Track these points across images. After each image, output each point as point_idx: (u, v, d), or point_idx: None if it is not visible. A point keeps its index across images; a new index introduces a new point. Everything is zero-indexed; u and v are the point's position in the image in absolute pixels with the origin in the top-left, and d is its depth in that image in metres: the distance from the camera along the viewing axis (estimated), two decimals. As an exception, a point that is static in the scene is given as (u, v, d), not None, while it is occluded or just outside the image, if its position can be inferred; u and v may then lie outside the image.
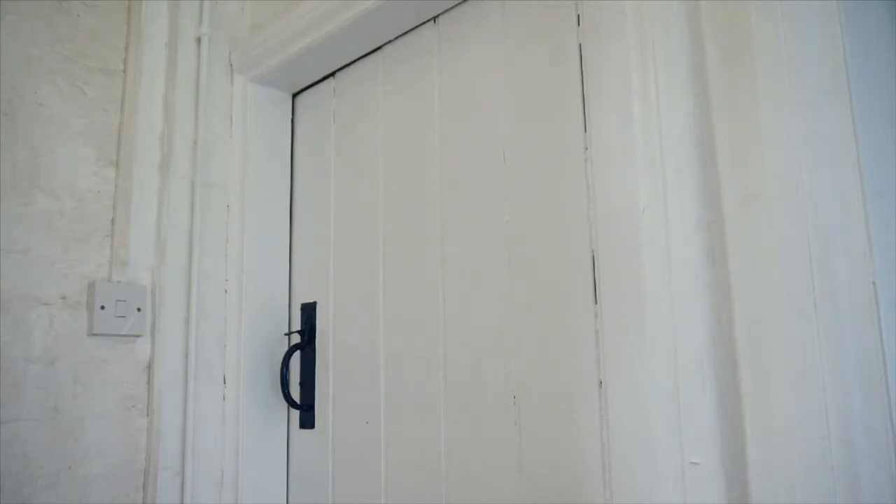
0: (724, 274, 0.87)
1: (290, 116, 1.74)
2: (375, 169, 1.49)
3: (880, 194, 0.81)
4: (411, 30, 1.45)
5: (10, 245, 1.40)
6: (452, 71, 1.36)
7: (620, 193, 0.97)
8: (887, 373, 0.76)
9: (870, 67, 0.85)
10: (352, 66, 1.60)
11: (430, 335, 1.31)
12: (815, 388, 0.78)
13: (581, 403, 1.04)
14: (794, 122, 0.83)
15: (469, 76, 1.32)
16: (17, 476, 1.34)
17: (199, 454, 1.49)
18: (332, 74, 1.65)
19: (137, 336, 1.50)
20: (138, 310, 1.50)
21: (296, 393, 1.58)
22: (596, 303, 1.01)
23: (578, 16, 1.10)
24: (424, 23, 1.43)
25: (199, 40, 1.63)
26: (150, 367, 1.51)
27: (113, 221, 1.54)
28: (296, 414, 1.59)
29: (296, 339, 1.61)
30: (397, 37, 1.48)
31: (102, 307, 1.46)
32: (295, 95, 1.75)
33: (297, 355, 1.59)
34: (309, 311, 1.60)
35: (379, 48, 1.53)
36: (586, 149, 1.07)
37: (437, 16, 1.41)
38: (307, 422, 1.56)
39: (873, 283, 0.78)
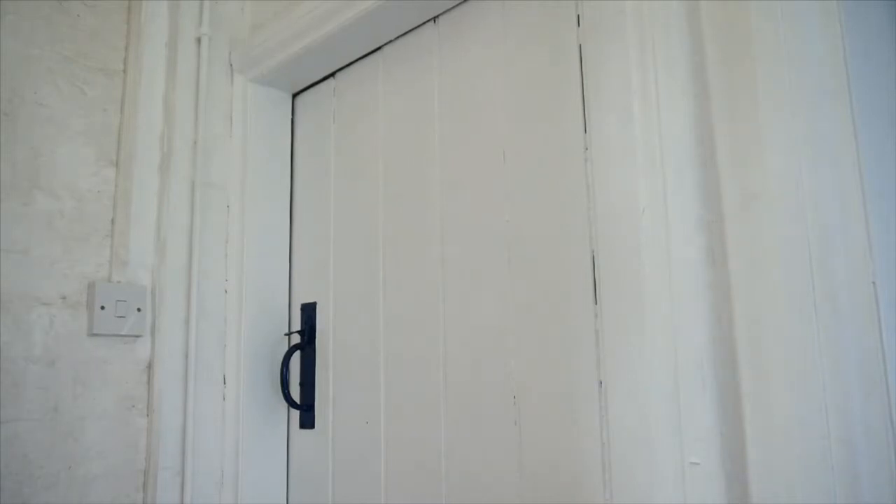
0: (724, 274, 0.87)
1: (290, 116, 1.74)
2: (375, 169, 1.49)
3: (880, 194, 0.81)
4: (411, 30, 1.45)
5: (10, 245, 1.40)
6: (452, 71, 1.36)
7: (620, 193, 0.97)
8: (887, 373, 0.76)
9: (870, 67, 0.85)
10: (352, 67, 1.60)
11: (430, 335, 1.31)
12: (815, 388, 0.78)
13: (581, 403, 1.04)
14: (794, 122, 0.83)
15: (469, 76, 1.32)
16: (17, 476, 1.34)
17: (199, 454, 1.49)
18: (332, 74, 1.65)
19: (137, 336, 1.50)
20: (138, 310, 1.50)
21: (296, 393, 1.58)
22: (596, 303, 1.01)
23: (578, 16, 1.10)
24: (424, 23, 1.43)
25: (199, 40, 1.63)
26: (150, 367, 1.51)
27: (113, 221, 1.54)
28: (296, 414, 1.59)
29: (296, 339, 1.60)
30: (397, 37, 1.48)
31: (102, 307, 1.46)
32: (295, 95, 1.75)
33: (297, 355, 1.59)
34: (309, 311, 1.60)
35: (379, 48, 1.53)
36: (586, 149, 1.07)
37: (437, 16, 1.41)
38: (307, 422, 1.56)
39: (873, 283, 0.78)
